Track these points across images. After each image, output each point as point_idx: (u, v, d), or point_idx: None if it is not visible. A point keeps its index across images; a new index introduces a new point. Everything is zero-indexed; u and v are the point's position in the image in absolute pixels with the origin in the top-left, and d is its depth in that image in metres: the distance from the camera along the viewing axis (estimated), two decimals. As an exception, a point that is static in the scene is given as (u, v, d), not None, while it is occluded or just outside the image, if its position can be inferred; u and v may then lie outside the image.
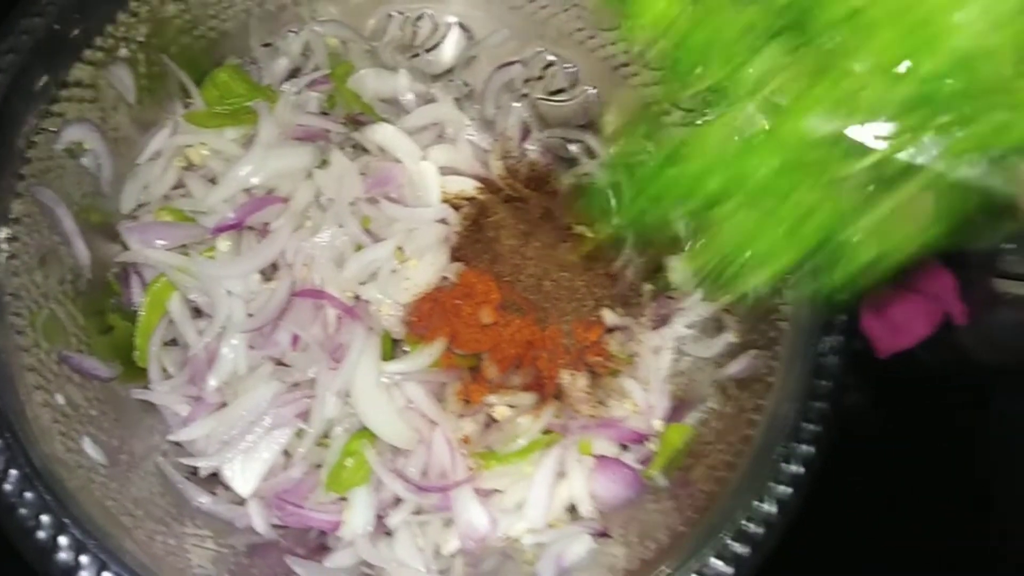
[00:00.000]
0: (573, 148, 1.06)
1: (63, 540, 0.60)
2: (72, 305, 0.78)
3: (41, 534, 0.60)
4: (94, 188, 0.84)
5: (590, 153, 1.04)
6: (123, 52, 0.84)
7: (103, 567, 0.60)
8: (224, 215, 0.85)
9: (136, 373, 0.84)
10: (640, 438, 0.85)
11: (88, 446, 0.70)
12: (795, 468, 0.69)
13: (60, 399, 0.71)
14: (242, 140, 0.91)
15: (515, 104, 1.04)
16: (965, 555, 1.01)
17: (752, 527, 0.66)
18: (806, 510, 0.95)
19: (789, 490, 0.68)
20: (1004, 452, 1.02)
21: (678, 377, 0.89)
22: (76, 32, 0.79)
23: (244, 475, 0.79)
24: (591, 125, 1.04)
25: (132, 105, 0.87)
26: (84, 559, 0.60)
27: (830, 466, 1.01)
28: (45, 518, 0.60)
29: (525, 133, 1.06)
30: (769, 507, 0.67)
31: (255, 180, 0.87)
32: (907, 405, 1.07)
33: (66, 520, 0.61)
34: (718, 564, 0.65)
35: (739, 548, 0.65)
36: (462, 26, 1.03)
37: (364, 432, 0.82)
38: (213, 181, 0.89)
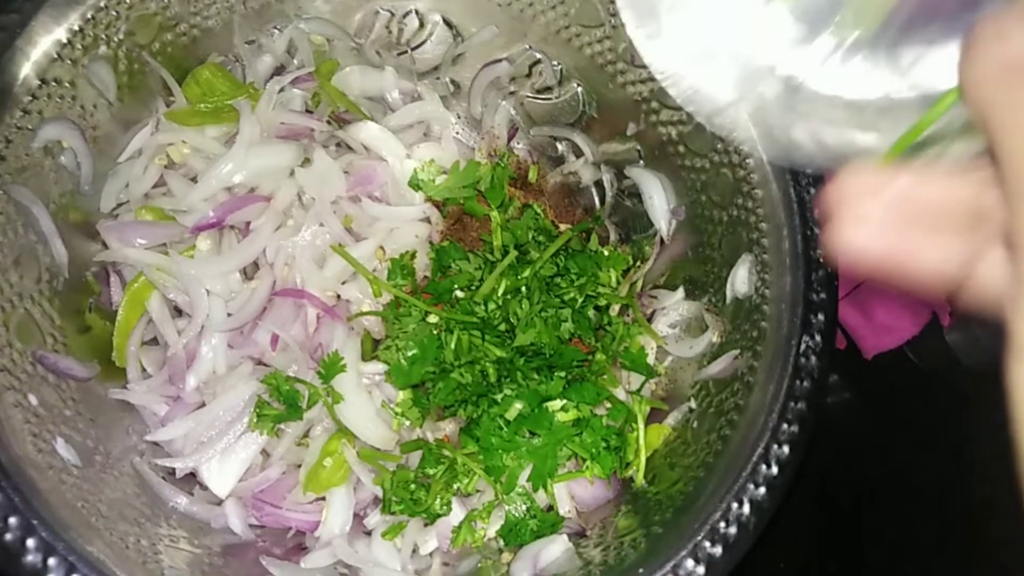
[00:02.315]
0: (561, 147, 1.05)
1: (31, 542, 0.60)
2: (48, 305, 0.78)
3: (8, 536, 0.60)
4: (73, 187, 0.83)
5: (577, 151, 1.03)
6: (103, 50, 0.83)
7: (71, 569, 0.60)
8: (204, 214, 0.85)
9: (115, 373, 0.84)
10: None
11: (61, 447, 0.70)
12: (772, 470, 0.68)
13: (33, 400, 0.70)
14: (224, 138, 0.91)
15: (502, 102, 1.04)
16: (950, 556, 1.00)
17: (727, 528, 0.66)
18: (789, 510, 0.95)
19: (765, 492, 0.67)
20: (990, 454, 1.00)
21: (659, 378, 0.89)
22: (54, 29, 0.78)
23: (221, 475, 0.79)
24: (578, 123, 1.03)
25: (112, 103, 0.86)
26: (52, 561, 0.60)
27: (815, 467, 1.01)
28: (13, 520, 0.60)
29: (512, 132, 1.05)
30: (745, 508, 0.66)
31: (236, 178, 0.87)
32: (893, 406, 1.06)
33: (35, 522, 0.60)
34: (692, 565, 0.64)
35: (714, 549, 0.65)
36: (448, 23, 1.02)
37: (343, 432, 0.82)
38: (194, 180, 0.89)
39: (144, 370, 0.85)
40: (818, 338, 0.73)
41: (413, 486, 0.77)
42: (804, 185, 0.79)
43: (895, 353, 1.06)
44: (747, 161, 0.83)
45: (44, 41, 0.78)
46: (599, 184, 1.03)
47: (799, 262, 0.76)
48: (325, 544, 0.79)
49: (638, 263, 0.96)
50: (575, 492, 0.82)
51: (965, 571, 0.99)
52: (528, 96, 1.04)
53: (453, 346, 0.78)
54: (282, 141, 0.91)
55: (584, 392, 0.80)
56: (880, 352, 1.06)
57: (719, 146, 0.86)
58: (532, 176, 1.03)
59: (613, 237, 1.01)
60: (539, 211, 0.95)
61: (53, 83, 0.79)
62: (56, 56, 0.79)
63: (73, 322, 0.82)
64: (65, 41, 0.79)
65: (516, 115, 1.05)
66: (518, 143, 1.06)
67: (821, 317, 0.74)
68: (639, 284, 0.95)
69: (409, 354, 0.78)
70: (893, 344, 1.05)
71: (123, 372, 0.84)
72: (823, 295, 0.75)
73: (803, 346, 0.73)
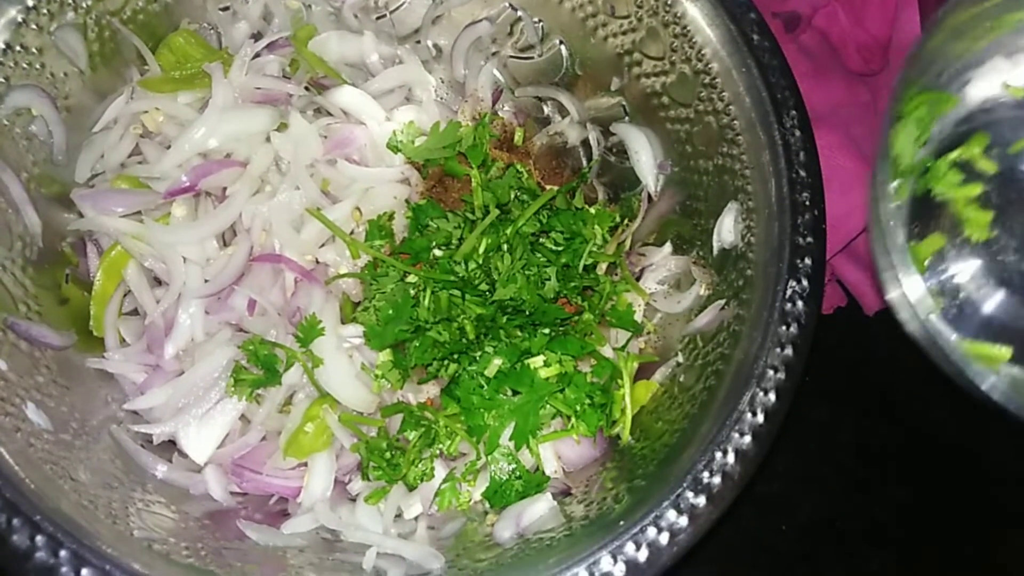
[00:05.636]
0: (546, 108, 1.03)
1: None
2: (21, 273, 0.77)
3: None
4: (46, 156, 0.82)
5: (562, 111, 1.01)
6: (71, 16, 0.82)
7: (36, 528, 0.59)
8: (177, 179, 0.83)
9: (94, 343, 0.83)
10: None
11: (32, 412, 0.69)
12: (758, 418, 0.66)
13: (2, 364, 0.69)
14: (198, 104, 0.89)
15: (484, 63, 1.01)
16: (968, 516, 0.97)
17: (711, 478, 0.63)
18: (789, 469, 0.92)
19: (751, 440, 0.65)
20: (999, 412, 0.97)
21: (648, 335, 0.86)
22: (16, -6, 0.77)
23: (200, 442, 0.78)
24: (562, 81, 1.00)
25: (84, 71, 0.85)
26: (16, 521, 0.59)
27: (817, 426, 0.98)
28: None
29: (497, 94, 1.03)
30: (729, 458, 0.64)
31: (211, 143, 0.85)
32: (898, 363, 1.02)
33: (-1, 482, 0.60)
34: (674, 516, 0.62)
35: (697, 499, 0.63)
36: (427, -16, 1.00)
37: (325, 397, 0.81)
38: (170, 147, 0.88)
39: (123, 340, 0.84)
40: (805, 282, 0.70)
41: (388, 453, 0.75)
42: (789, 128, 0.76)
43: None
44: (730, 108, 0.80)
45: (8, 6, 0.77)
46: (586, 144, 1.01)
47: (785, 206, 0.74)
48: (307, 509, 0.77)
49: (626, 221, 0.94)
50: (561, 452, 0.80)
51: (986, 529, 0.96)
52: (511, 56, 1.01)
53: (427, 303, 0.76)
54: (257, 106, 0.89)
55: (567, 345, 0.78)
56: (883, 308, 1.03)
57: (702, 94, 0.83)
58: (518, 139, 1.01)
59: (601, 196, 0.98)
60: (522, 170, 0.92)
61: (19, 49, 0.78)
62: (21, 21, 0.78)
63: (51, 294, 0.81)
64: (30, 5, 0.78)
65: (500, 76, 1.02)
66: (503, 106, 1.03)
67: (808, 261, 0.71)
68: (627, 242, 0.93)
69: (384, 315, 0.76)
70: (895, 299, 1.01)
71: (102, 342, 0.83)
72: (810, 239, 0.72)
73: (789, 291, 0.70)
